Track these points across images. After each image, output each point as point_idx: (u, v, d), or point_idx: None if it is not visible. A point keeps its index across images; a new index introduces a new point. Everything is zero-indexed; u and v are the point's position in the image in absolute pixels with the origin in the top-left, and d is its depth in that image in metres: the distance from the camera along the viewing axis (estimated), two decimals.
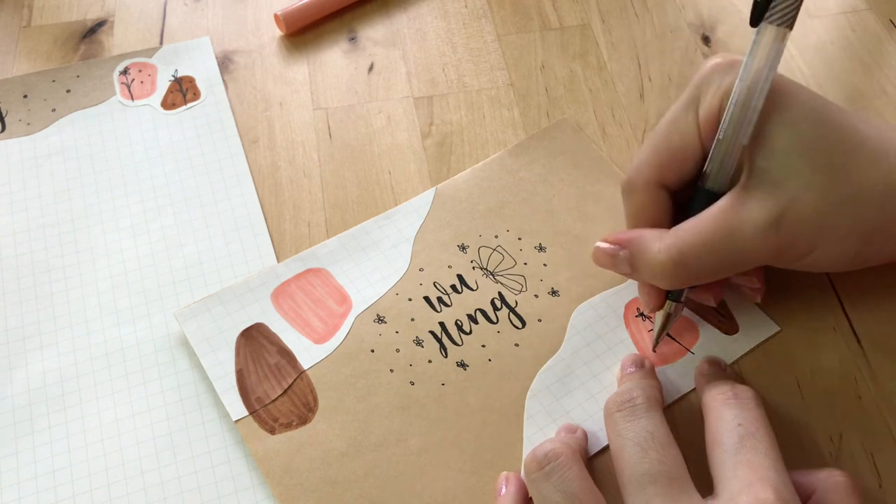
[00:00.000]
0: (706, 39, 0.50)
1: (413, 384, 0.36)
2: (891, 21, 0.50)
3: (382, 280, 0.39)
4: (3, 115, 0.46)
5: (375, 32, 0.51)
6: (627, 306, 0.38)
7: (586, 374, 0.36)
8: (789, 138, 0.32)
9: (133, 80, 0.48)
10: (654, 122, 0.46)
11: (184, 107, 0.47)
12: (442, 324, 0.38)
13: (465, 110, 0.47)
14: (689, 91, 0.35)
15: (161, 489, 0.34)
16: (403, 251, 0.40)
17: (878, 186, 0.32)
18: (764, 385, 0.36)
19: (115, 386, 0.37)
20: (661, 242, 0.33)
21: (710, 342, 0.37)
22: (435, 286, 0.39)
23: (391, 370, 0.36)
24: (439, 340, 0.37)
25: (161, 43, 0.50)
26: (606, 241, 0.35)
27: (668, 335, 0.37)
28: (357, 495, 0.33)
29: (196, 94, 0.47)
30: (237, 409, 0.35)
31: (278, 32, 0.51)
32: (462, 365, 0.37)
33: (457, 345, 0.37)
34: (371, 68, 0.49)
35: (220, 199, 0.43)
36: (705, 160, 0.34)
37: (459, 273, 0.39)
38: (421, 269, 0.39)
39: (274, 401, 0.35)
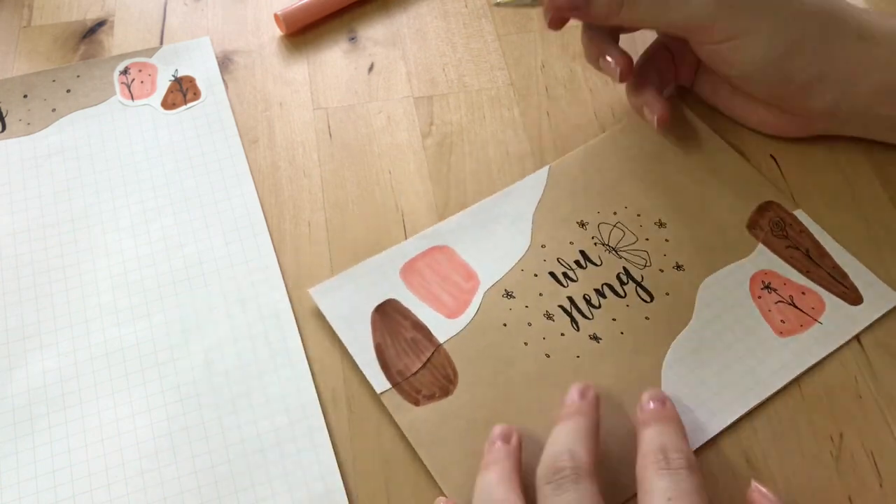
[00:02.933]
0: None
1: (549, 356, 0.37)
2: None
3: (506, 256, 0.40)
4: (3, 115, 0.46)
5: (375, 32, 0.51)
6: (752, 279, 0.39)
7: (720, 344, 0.37)
8: None
9: (133, 79, 0.48)
10: None
11: (184, 107, 0.47)
12: (570, 298, 0.38)
13: (465, 110, 0.47)
14: None
15: (161, 489, 0.34)
16: (523, 228, 0.41)
17: (810, 7, 0.36)
18: None
19: (115, 386, 0.37)
20: None
21: (835, 312, 0.38)
22: (559, 262, 0.40)
23: (525, 343, 0.37)
24: (569, 314, 0.38)
25: (161, 43, 0.50)
26: None
27: (794, 305, 0.38)
28: None
29: (196, 94, 0.47)
30: (380, 381, 0.36)
31: (278, 32, 0.51)
32: (595, 338, 0.37)
33: (587, 318, 0.38)
34: (371, 68, 0.49)
35: (220, 199, 0.43)
36: None
37: (582, 249, 0.40)
38: (543, 246, 0.40)
39: (415, 374, 0.36)
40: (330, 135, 0.46)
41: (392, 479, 0.34)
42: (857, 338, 0.37)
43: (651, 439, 0.31)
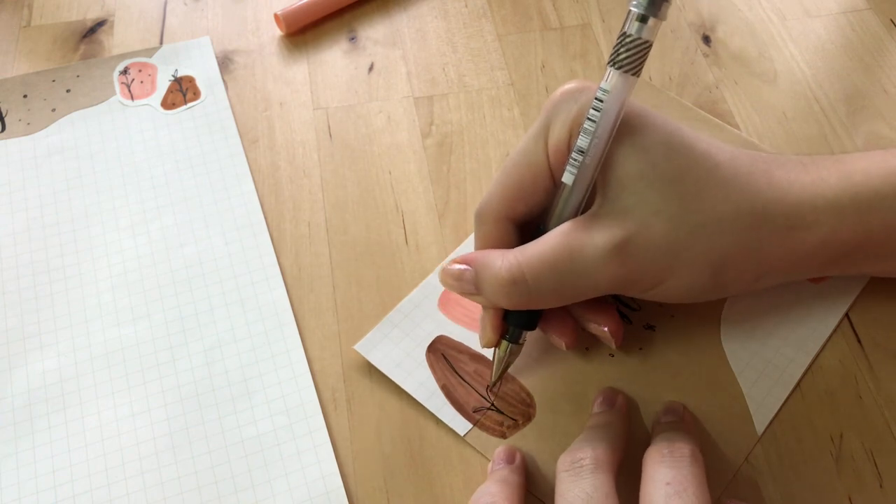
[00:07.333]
0: (706, 39, 0.50)
1: (612, 356, 0.37)
2: (891, 21, 0.50)
3: None
4: (3, 115, 0.46)
5: (375, 32, 0.51)
6: None
7: (765, 301, 0.38)
8: (640, 165, 0.31)
9: (133, 79, 0.48)
10: None
11: (184, 107, 0.47)
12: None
13: (465, 110, 0.47)
14: (539, 120, 0.33)
15: (161, 489, 0.34)
16: None
17: (729, 214, 0.31)
18: None
19: (115, 386, 0.37)
20: (503, 259, 0.32)
21: None
22: None
23: (587, 348, 0.37)
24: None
25: (161, 43, 0.50)
26: (455, 261, 0.34)
27: None
28: None
29: (196, 94, 0.47)
30: (460, 424, 0.35)
31: (278, 32, 0.51)
32: (649, 327, 0.37)
33: (635, 310, 0.38)
34: (371, 68, 0.49)
35: (220, 199, 0.43)
36: (556, 189, 0.33)
37: None
38: None
39: (491, 406, 0.35)
40: (330, 135, 0.46)
41: (392, 479, 0.34)
42: (857, 338, 0.37)
43: (659, 440, 0.32)
